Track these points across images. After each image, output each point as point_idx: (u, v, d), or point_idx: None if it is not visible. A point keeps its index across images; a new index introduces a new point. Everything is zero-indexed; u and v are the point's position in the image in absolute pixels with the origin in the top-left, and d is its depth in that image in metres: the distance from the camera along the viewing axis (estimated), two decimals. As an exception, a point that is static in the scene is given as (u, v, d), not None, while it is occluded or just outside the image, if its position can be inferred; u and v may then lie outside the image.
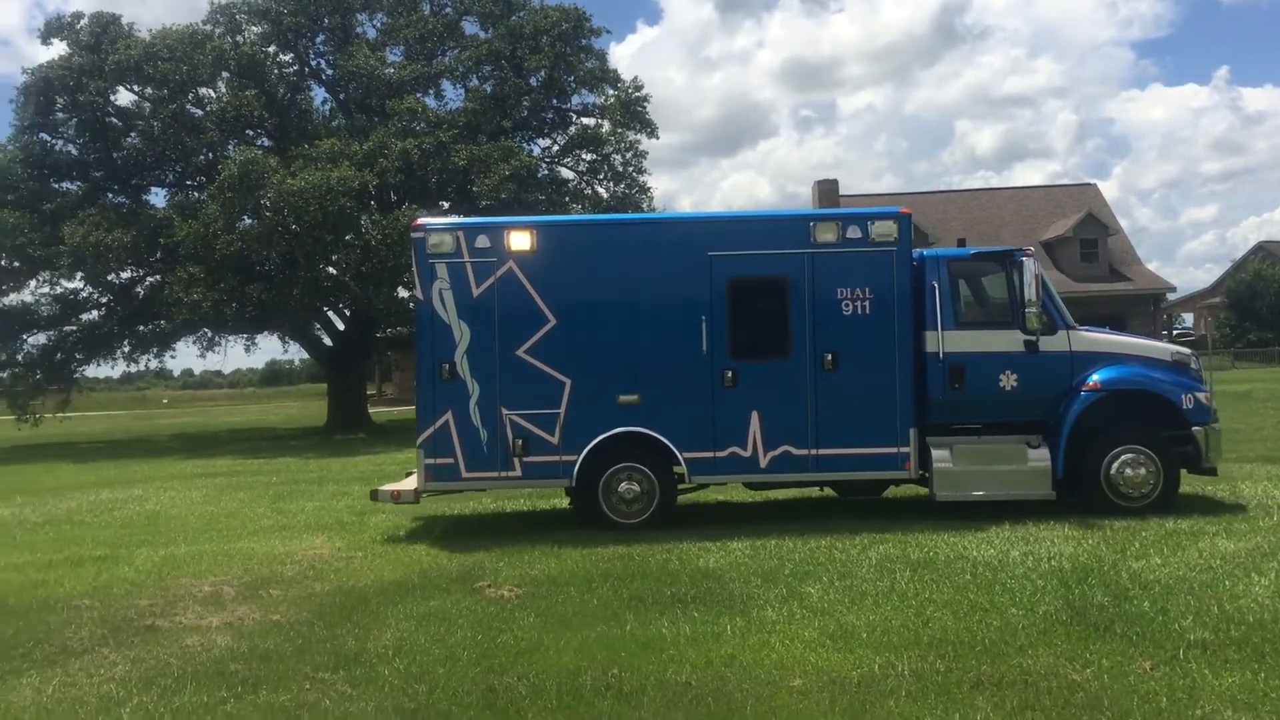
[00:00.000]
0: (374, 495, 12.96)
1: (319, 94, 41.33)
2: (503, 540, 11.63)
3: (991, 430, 12.27)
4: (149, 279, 37.51)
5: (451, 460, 12.07)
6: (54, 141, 37.86)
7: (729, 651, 7.09)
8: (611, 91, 39.46)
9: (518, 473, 12.10)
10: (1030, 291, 11.83)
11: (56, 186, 37.64)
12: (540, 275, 12.15)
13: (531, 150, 38.98)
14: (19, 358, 37.96)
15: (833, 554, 10.27)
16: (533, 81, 39.04)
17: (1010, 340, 12.12)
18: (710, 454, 12.08)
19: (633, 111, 38.66)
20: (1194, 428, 12.01)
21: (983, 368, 12.12)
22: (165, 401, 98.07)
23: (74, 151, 38.08)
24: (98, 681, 6.96)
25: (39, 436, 39.95)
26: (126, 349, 40.65)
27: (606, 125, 39.61)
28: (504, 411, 12.05)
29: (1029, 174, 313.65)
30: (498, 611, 8.48)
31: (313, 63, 39.90)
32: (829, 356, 12.03)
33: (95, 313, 39.26)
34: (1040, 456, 11.99)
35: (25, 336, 38.23)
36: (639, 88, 39.04)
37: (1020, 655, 6.74)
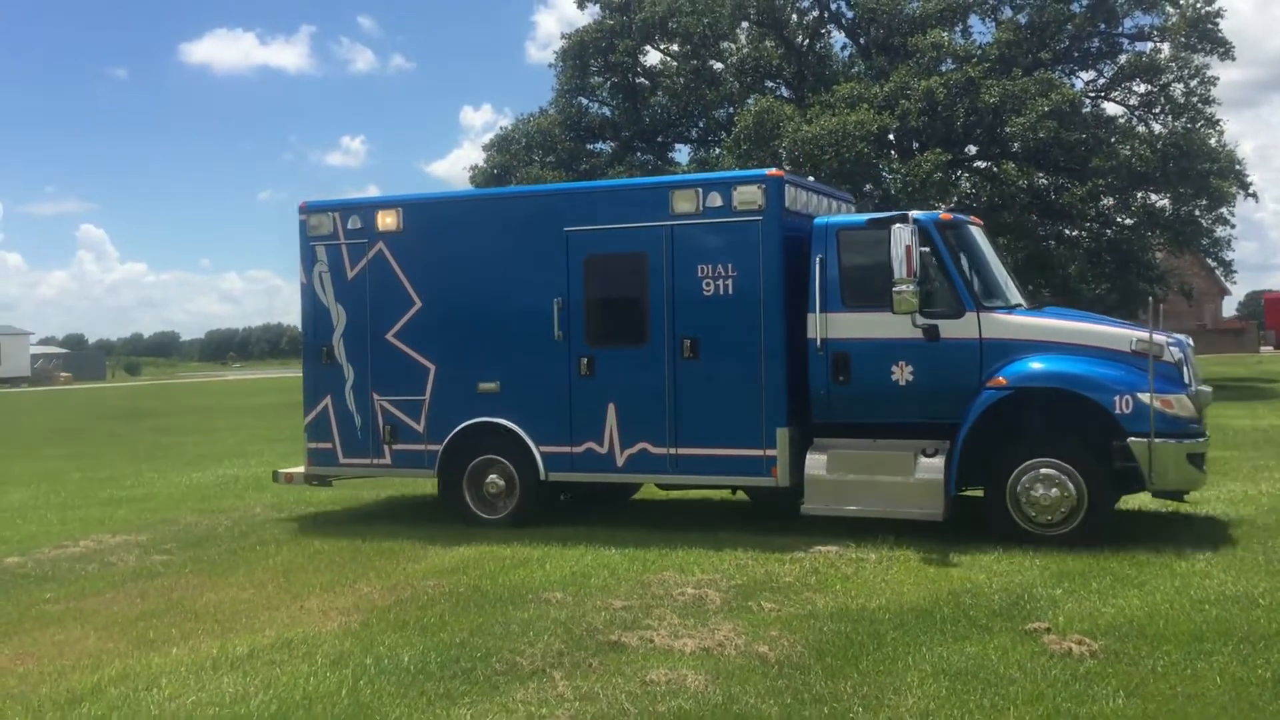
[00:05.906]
0: (275, 477, 12.93)
1: (838, 39, 39.52)
2: (1051, 550, 9.03)
3: (893, 434, 10.17)
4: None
5: (330, 445, 12.00)
6: (589, 104, 39.34)
7: None
8: (1172, 9, 33.82)
9: (388, 460, 11.84)
10: (900, 267, 9.44)
11: (590, 147, 39.09)
12: (407, 256, 11.78)
13: (1074, 85, 34.50)
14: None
15: None
16: (1075, 7, 34.44)
17: (905, 325, 9.89)
18: (567, 449, 11.09)
19: (1201, 30, 32.75)
20: (1130, 439, 9.12)
21: (871, 357, 10.19)
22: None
23: (607, 113, 39.35)
24: (533, 732, 5.41)
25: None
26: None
27: (1166, 49, 34.09)
28: (375, 397, 11.84)
29: None
30: (1066, 679, 5.95)
31: (832, 6, 38.05)
32: (688, 343, 10.68)
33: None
34: (932, 467, 9.77)
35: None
36: (1210, 1, 33.04)
37: None
